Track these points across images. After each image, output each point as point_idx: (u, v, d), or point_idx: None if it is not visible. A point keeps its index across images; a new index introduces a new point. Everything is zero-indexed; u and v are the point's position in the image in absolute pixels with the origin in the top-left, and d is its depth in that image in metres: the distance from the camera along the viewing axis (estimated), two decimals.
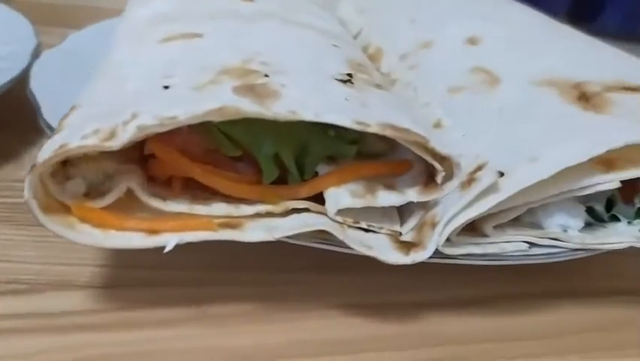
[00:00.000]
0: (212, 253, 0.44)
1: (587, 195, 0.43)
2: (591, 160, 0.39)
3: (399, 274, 0.40)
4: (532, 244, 0.41)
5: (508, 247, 0.40)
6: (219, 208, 0.38)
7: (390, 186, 0.40)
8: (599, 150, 0.37)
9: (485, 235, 0.40)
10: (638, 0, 1.19)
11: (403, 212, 0.41)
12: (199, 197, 0.39)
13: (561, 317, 0.44)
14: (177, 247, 0.36)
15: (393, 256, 0.37)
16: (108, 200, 0.36)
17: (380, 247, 0.38)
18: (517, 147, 0.40)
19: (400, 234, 0.39)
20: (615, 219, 0.43)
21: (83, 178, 0.37)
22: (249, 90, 0.35)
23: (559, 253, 0.41)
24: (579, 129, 0.40)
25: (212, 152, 0.39)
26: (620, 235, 0.42)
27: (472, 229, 0.41)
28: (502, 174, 0.37)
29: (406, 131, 0.36)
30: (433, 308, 0.43)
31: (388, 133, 0.36)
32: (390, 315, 0.42)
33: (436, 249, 0.38)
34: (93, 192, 0.37)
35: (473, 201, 0.38)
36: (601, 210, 0.43)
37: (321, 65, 0.41)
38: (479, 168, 0.39)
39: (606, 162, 0.40)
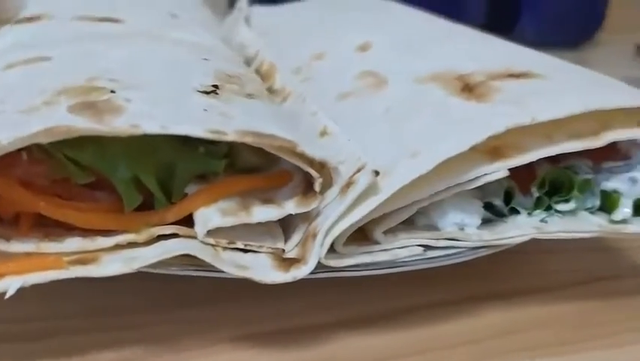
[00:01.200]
0: (84, 297, 0.40)
1: (484, 190, 0.41)
2: (476, 151, 0.37)
3: (299, 297, 0.36)
4: (428, 247, 0.38)
5: (402, 253, 0.37)
6: (72, 244, 0.34)
7: (268, 201, 0.37)
8: (479, 137, 0.35)
9: (376, 242, 0.37)
10: (553, 8, 1.21)
11: (289, 228, 0.38)
12: (53, 234, 0.34)
13: (479, 322, 0.41)
14: (45, 294, 0.33)
15: (271, 275, 0.34)
16: None
17: (258, 267, 0.34)
18: (401, 145, 0.37)
19: (284, 251, 0.36)
20: (515, 212, 0.41)
21: None
22: (88, 107, 0.31)
23: (458, 253, 0.38)
24: (461, 120, 0.37)
25: (62, 182, 0.35)
26: (519, 228, 0.40)
27: (365, 237, 0.38)
28: (377, 173, 0.34)
29: (271, 137, 0.33)
30: (336, 329, 0.39)
31: (249, 140, 0.33)
32: (289, 342, 0.39)
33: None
34: None
35: (353, 206, 0.35)
36: (500, 205, 0.41)
37: (183, 78, 0.38)
38: (359, 170, 0.36)
39: (493, 151, 0.37)
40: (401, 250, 0.37)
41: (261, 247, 0.36)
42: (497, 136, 0.37)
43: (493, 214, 0.41)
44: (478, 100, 0.39)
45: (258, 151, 0.36)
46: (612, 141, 0.37)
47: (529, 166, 0.41)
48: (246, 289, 0.36)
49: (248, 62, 0.57)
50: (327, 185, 0.36)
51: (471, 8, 1.17)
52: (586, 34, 1.28)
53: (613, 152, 0.41)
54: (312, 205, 0.36)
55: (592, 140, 0.37)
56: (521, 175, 0.41)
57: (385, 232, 0.37)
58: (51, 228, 0.35)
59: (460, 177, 0.36)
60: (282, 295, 0.41)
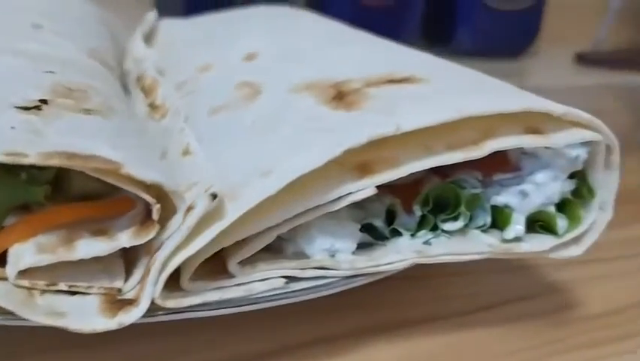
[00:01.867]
0: None
1: (366, 210, 0.36)
2: (342, 166, 0.32)
3: (158, 340, 0.32)
4: (294, 279, 0.33)
5: (259, 287, 0.32)
6: None
7: (100, 233, 0.31)
8: (336, 151, 0.30)
9: (231, 276, 0.32)
10: (488, 20, 1.20)
11: (134, 264, 0.33)
12: None
13: (367, 358, 0.36)
14: None
15: (93, 322, 0.29)
16: None
17: (79, 313, 0.29)
18: (256, 162, 0.33)
19: (120, 291, 0.31)
20: (397, 233, 0.36)
21: None
22: None
23: (327, 284, 0.34)
24: (321, 132, 0.33)
25: None
26: (399, 252, 0.35)
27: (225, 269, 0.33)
28: (215, 196, 0.29)
29: (87, 157, 0.28)
30: None
31: (56, 162, 0.28)
32: None
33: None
34: None
35: (193, 236, 0.30)
36: (381, 226, 0.37)
37: (3, 93, 0.32)
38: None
39: (362, 166, 0.33)
40: (259, 283, 0.33)
41: (90, 287, 0.31)
42: (366, 149, 0.32)
43: (374, 237, 0.37)
44: (346, 109, 0.35)
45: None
46: (494, 150, 0.33)
47: (417, 182, 0.37)
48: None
49: (139, 78, 0.52)
50: (174, 212, 0.31)
51: (407, 22, 1.15)
52: (523, 45, 1.27)
53: (503, 163, 0.37)
54: (149, 236, 0.31)
55: (472, 150, 0.33)
56: (406, 192, 0.37)
57: (243, 263, 0.33)
58: None
59: (320, 198, 0.32)
60: (138, 339, 0.35)
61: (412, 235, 0.36)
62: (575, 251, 0.37)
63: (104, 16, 0.66)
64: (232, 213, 0.30)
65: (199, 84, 0.49)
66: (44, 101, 0.33)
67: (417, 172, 0.37)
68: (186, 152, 0.38)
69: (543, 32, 1.27)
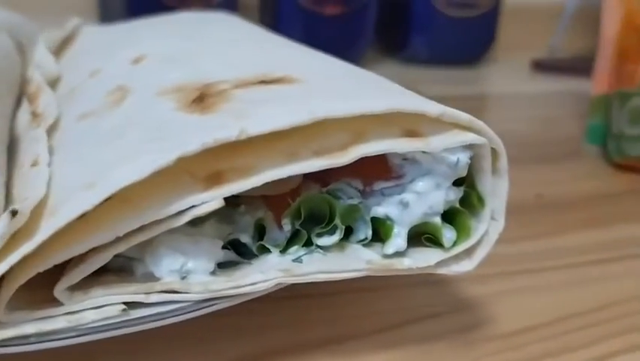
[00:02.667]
0: None
1: (235, 223, 0.33)
2: (192, 177, 0.29)
3: None
4: (138, 305, 0.29)
5: (89, 316, 0.28)
6: None
7: None
8: (164, 160, 0.27)
9: (58, 302, 0.28)
10: (442, 27, 1.17)
11: None
12: None
13: None
14: None
15: None
16: None
17: None
18: (86, 173, 0.29)
19: None
20: (266, 250, 0.33)
21: None
22: None
23: (177, 309, 0.30)
24: (160, 139, 0.29)
25: None
26: (263, 272, 0.31)
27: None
28: (14, 213, 0.25)
29: None
30: None
31: None
32: None
33: None
34: None
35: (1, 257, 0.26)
36: (249, 242, 0.33)
37: None
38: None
39: (212, 176, 0.29)
40: (91, 311, 0.28)
41: None
42: (219, 158, 0.29)
43: (242, 255, 0.33)
44: (201, 112, 0.31)
45: None
46: (361, 155, 0.30)
47: (293, 193, 0.33)
48: None
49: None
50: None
51: (360, 31, 1.12)
52: (479, 52, 1.24)
53: (384, 170, 0.33)
54: None
55: (337, 156, 0.30)
56: (281, 204, 0.33)
57: (74, 289, 0.29)
58: None
59: (157, 213, 0.28)
60: None
61: (282, 252, 0.32)
62: (467, 266, 0.33)
63: (8, 22, 0.62)
64: (42, 232, 0.26)
65: (82, 89, 0.45)
66: None
67: (292, 182, 0.33)
68: (35, 163, 0.34)
69: (499, 39, 1.25)
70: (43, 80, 0.48)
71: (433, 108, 0.30)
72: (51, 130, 0.38)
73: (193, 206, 0.28)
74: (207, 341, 0.35)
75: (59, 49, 0.62)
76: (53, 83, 0.50)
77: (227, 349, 0.35)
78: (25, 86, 0.51)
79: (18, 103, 0.49)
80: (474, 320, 0.40)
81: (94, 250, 0.28)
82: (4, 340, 0.27)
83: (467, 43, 1.20)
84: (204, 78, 0.36)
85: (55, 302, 0.29)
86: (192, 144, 0.27)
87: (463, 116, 0.31)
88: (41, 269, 0.27)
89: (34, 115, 0.44)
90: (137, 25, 0.62)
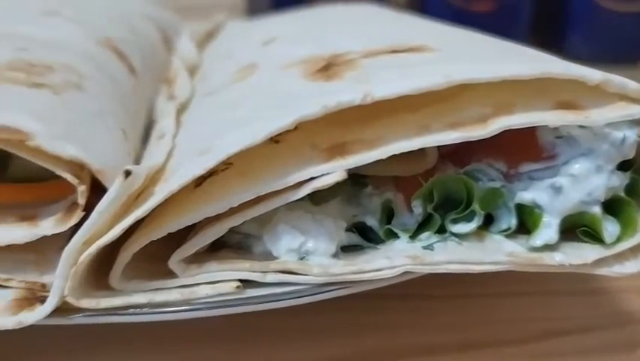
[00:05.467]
0: None
1: (361, 205, 0.30)
2: (314, 147, 0.26)
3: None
4: (253, 283, 0.28)
5: (203, 291, 0.27)
6: None
7: (28, 218, 0.27)
8: (280, 124, 0.24)
9: (174, 276, 0.27)
10: (602, 22, 1.07)
11: None
12: None
13: None
14: None
15: None
16: None
17: None
18: (200, 140, 0.27)
19: (44, 286, 0.27)
20: (394, 235, 0.29)
21: None
22: None
23: (293, 292, 0.27)
24: (279, 105, 0.27)
25: None
26: (390, 257, 0.28)
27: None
28: (128, 173, 0.24)
29: None
30: None
31: None
32: None
33: None
34: None
35: (115, 223, 0.25)
36: (375, 225, 0.30)
37: None
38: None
39: (337, 147, 0.27)
40: (205, 286, 0.27)
41: (9, 280, 0.27)
42: (346, 129, 0.26)
43: (368, 239, 0.30)
44: (325, 80, 0.29)
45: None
46: (503, 128, 0.26)
47: (427, 174, 0.30)
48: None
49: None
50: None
51: (513, 28, 1.05)
52: None
53: (532, 150, 0.29)
54: (71, 222, 0.26)
55: (475, 128, 0.26)
56: (413, 186, 0.30)
57: (190, 261, 0.27)
58: None
59: (274, 184, 0.26)
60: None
61: (412, 238, 0.29)
62: (632, 267, 0.28)
63: (156, 17, 0.64)
64: (157, 195, 0.24)
65: (213, 70, 0.45)
66: None
67: (427, 162, 0.30)
68: (161, 136, 0.34)
69: None
70: (182, 66, 0.49)
71: (593, 74, 0.26)
72: (182, 108, 0.38)
73: (313, 178, 0.26)
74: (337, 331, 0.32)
75: (203, 41, 0.63)
76: (193, 70, 0.50)
77: (329, 347, 0.32)
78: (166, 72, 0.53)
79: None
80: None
81: (208, 223, 0.27)
82: (117, 307, 0.26)
83: (632, 41, 1.09)
84: (331, 50, 0.34)
85: (171, 275, 0.27)
86: (312, 107, 0.24)
87: (632, 85, 0.26)
88: (155, 237, 0.26)
89: (171, 97, 0.44)
90: (278, 16, 0.61)
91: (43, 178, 0.29)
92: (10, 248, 0.27)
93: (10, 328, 0.24)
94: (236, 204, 0.25)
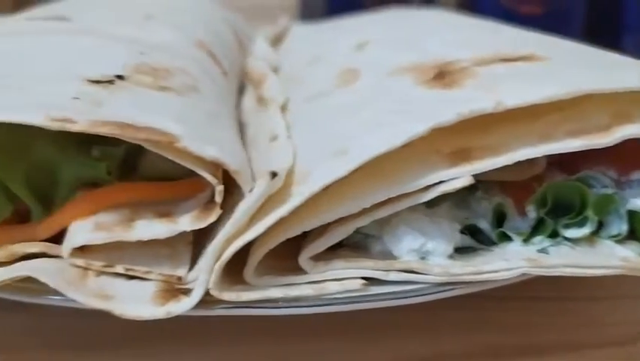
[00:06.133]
0: None
1: (470, 209, 0.31)
2: (436, 153, 0.28)
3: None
4: (376, 281, 0.29)
5: (333, 287, 0.28)
6: None
7: (163, 215, 0.29)
8: (419, 129, 0.26)
9: (304, 272, 0.29)
10: None
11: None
12: None
13: None
14: None
15: (140, 309, 0.26)
16: None
17: (128, 298, 0.27)
18: (330, 142, 0.29)
19: (180, 279, 0.28)
20: (507, 238, 0.30)
21: None
22: None
23: (415, 290, 0.29)
24: (406, 111, 0.28)
25: None
26: (507, 259, 0.29)
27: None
28: (274, 175, 0.26)
29: (139, 128, 0.26)
30: None
31: (104, 130, 0.26)
32: None
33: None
34: None
35: (254, 221, 0.26)
36: (487, 228, 0.31)
37: (79, 69, 0.31)
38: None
39: (459, 152, 0.28)
40: (334, 283, 0.28)
41: (148, 273, 0.28)
42: (467, 135, 0.27)
43: (479, 241, 0.31)
44: (445, 87, 0.30)
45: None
46: (626, 137, 0.27)
47: (534, 180, 0.31)
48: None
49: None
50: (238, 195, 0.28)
51: (564, 33, 1.05)
52: None
53: None
54: (209, 219, 0.28)
55: (597, 136, 0.27)
56: (521, 191, 0.31)
57: (317, 259, 0.29)
58: None
59: (404, 186, 0.27)
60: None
61: (525, 241, 0.30)
62: None
63: (231, 20, 0.66)
64: (296, 197, 0.26)
65: (305, 76, 0.46)
66: (120, 77, 0.31)
67: (534, 168, 0.31)
68: (273, 138, 0.35)
69: None
70: (268, 68, 0.50)
71: None
72: (281, 111, 0.39)
73: (439, 182, 0.27)
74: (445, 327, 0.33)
75: (273, 43, 0.65)
76: (274, 72, 0.51)
77: (438, 344, 0.33)
78: (244, 75, 0.54)
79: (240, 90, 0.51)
80: None
81: (336, 222, 0.28)
82: (252, 301, 0.27)
83: None
84: (438, 58, 0.35)
85: (297, 271, 0.29)
86: (446, 114, 0.26)
87: None
88: (290, 235, 0.27)
89: (260, 99, 0.46)
90: (348, 20, 0.62)
91: (169, 177, 0.31)
92: (146, 243, 0.29)
93: (159, 318, 0.26)
94: (368, 205, 0.27)
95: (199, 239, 0.30)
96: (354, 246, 0.30)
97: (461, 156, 0.27)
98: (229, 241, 0.26)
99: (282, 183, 0.26)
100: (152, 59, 0.36)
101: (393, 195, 0.27)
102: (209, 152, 0.27)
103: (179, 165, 0.30)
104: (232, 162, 0.27)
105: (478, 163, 0.27)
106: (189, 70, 0.38)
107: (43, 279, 0.26)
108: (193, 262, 0.29)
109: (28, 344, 0.33)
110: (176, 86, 0.33)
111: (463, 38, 0.40)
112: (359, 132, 0.28)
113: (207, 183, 0.30)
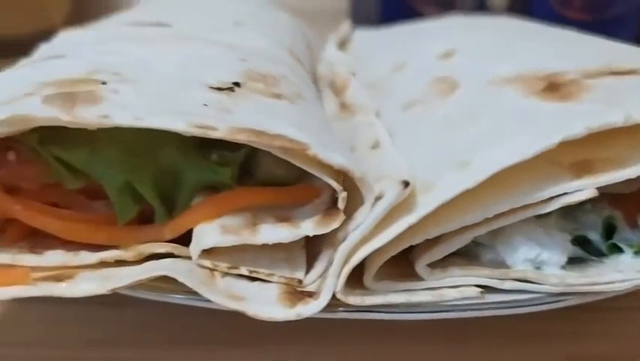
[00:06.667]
0: (102, 324, 0.36)
1: (577, 220, 0.31)
2: (556, 164, 0.28)
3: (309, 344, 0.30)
4: (489, 289, 0.29)
5: (451, 294, 0.29)
6: (53, 257, 0.29)
7: (284, 219, 0.30)
8: (548, 142, 0.26)
9: (420, 278, 0.29)
10: None
11: (317, 256, 0.31)
12: (43, 245, 0.30)
13: None
14: (61, 319, 0.33)
15: (270, 310, 0.27)
16: None
17: (258, 300, 0.28)
18: (450, 154, 0.29)
19: (300, 282, 0.29)
20: (618, 250, 0.31)
21: None
22: (64, 98, 0.27)
23: (530, 299, 0.29)
24: (529, 123, 0.29)
25: (54, 188, 0.31)
26: (622, 271, 0.29)
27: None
28: (407, 184, 0.26)
29: (274, 136, 0.27)
30: None
31: (243, 137, 0.27)
32: None
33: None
34: None
35: (379, 228, 0.27)
36: (597, 240, 0.31)
37: (199, 75, 0.33)
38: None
39: (581, 165, 0.28)
40: (451, 289, 0.29)
41: (271, 275, 0.29)
42: (586, 147, 0.28)
43: (587, 252, 0.31)
44: (561, 100, 0.30)
45: (284, 161, 0.29)
46: None
47: None
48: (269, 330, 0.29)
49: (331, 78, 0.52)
50: (359, 203, 0.29)
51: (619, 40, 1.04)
52: None
53: None
54: (333, 225, 0.28)
55: None
56: (630, 203, 0.31)
57: (433, 266, 0.29)
58: (44, 239, 0.31)
59: (528, 197, 0.27)
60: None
61: (636, 253, 0.30)
62: None
63: (302, 26, 0.67)
64: (424, 206, 0.26)
65: (391, 83, 0.46)
66: (237, 84, 0.32)
67: None
68: (375, 145, 0.36)
69: None
70: (349, 74, 0.51)
71: None
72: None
73: (562, 194, 0.27)
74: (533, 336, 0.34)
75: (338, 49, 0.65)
76: None
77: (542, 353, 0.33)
78: (318, 80, 0.55)
79: None
80: None
81: (454, 230, 0.29)
82: (375, 306, 0.28)
83: None
84: (540, 69, 0.35)
85: (412, 277, 0.30)
86: (575, 127, 0.26)
87: None
88: (413, 243, 0.28)
89: (343, 105, 0.46)
90: (418, 27, 0.63)
91: (281, 182, 0.32)
92: (264, 246, 0.29)
93: (290, 319, 0.27)
94: (491, 215, 0.27)
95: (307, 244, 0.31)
96: (464, 253, 0.31)
97: (583, 168, 0.28)
98: (357, 247, 0.27)
99: (409, 192, 0.27)
100: (255, 66, 0.37)
101: (517, 206, 0.27)
102: (337, 160, 0.27)
103: (292, 170, 0.32)
104: (357, 170, 0.28)
105: (602, 176, 0.27)
106: (289, 76, 0.39)
107: (180, 279, 0.27)
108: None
109: (145, 340, 0.35)
110: (286, 93, 0.34)
111: (554, 49, 0.40)
112: (482, 144, 0.28)
113: (322, 189, 0.31)
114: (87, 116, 0.26)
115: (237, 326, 0.31)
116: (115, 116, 0.26)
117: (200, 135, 0.26)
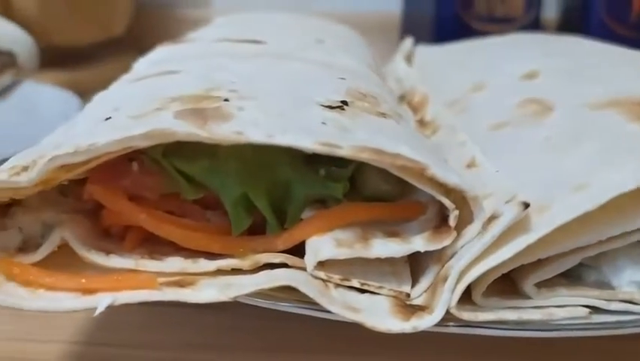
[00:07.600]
0: (200, 328, 0.37)
1: None
2: None
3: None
4: (595, 310, 0.30)
5: (559, 313, 0.29)
6: (173, 264, 0.31)
7: (393, 234, 0.31)
8: None
9: (527, 297, 0.30)
10: None
11: (419, 270, 0.32)
12: (158, 252, 0.32)
13: None
14: (160, 322, 0.35)
15: (387, 323, 0.28)
16: (40, 254, 0.30)
17: (372, 312, 0.29)
18: (562, 176, 0.30)
19: (408, 296, 0.30)
20: None
21: (19, 230, 0.31)
22: (195, 114, 0.29)
23: (634, 320, 0.30)
24: (632, 151, 0.29)
25: (172, 198, 0.32)
26: None
27: (514, 289, 0.31)
28: (527, 206, 0.27)
29: (394, 155, 0.28)
30: None
31: (366, 156, 0.28)
32: None
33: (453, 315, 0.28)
34: (31, 245, 0.31)
35: (495, 246, 0.28)
36: None
37: (307, 92, 0.34)
38: (506, 203, 0.29)
39: None
40: (558, 309, 0.30)
41: (380, 288, 0.30)
42: None
43: None
44: None
45: (390, 177, 0.30)
46: None
47: None
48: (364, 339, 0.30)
49: (403, 96, 0.53)
50: (466, 221, 0.30)
51: None
52: None
53: None
54: (445, 242, 0.29)
55: None
56: None
57: (539, 285, 0.30)
58: (159, 246, 0.32)
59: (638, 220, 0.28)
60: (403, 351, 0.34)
61: None
62: None
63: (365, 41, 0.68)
64: (542, 227, 0.27)
65: (472, 102, 0.47)
66: (345, 103, 0.34)
67: None
68: (471, 164, 0.36)
69: None
70: (427, 92, 0.52)
71: None
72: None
73: None
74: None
75: None
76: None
77: None
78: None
79: None
80: None
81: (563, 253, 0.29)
82: (486, 322, 0.29)
83: None
84: (634, 94, 0.36)
85: (513, 294, 0.30)
86: None
87: None
88: (526, 262, 0.29)
89: (422, 122, 0.47)
90: (484, 45, 0.64)
91: (384, 198, 0.33)
92: (372, 260, 0.31)
93: (406, 332, 0.28)
94: (604, 238, 0.28)
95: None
96: (566, 274, 0.32)
97: None
98: (471, 265, 0.28)
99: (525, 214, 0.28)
100: (355, 85, 0.38)
101: (630, 230, 0.28)
102: (453, 179, 0.28)
103: (397, 186, 0.33)
104: (471, 190, 0.29)
105: None
106: (383, 95, 0.40)
107: (302, 289, 0.28)
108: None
109: (239, 344, 0.36)
110: (389, 113, 0.35)
111: (637, 71, 0.41)
112: (597, 168, 0.29)
113: (428, 205, 0.32)
114: (222, 132, 0.27)
115: (337, 334, 0.32)
116: (249, 134, 0.27)
117: (325, 153, 0.28)
